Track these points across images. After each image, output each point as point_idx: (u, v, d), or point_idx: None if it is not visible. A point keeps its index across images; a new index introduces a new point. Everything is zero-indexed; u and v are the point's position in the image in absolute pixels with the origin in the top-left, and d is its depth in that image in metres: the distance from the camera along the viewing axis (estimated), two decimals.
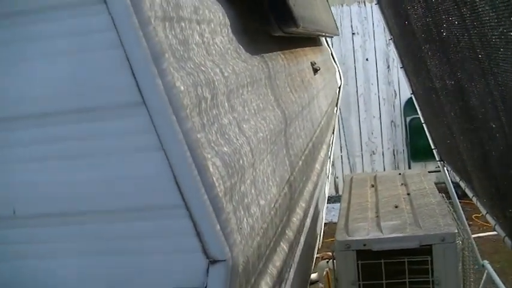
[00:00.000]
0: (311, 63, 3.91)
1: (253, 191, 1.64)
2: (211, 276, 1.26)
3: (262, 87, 2.16)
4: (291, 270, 2.64)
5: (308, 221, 3.60)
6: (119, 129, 1.26)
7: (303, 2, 3.00)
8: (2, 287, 1.43)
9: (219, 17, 1.91)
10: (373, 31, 11.62)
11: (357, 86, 11.74)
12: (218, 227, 1.26)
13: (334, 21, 6.53)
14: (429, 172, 5.65)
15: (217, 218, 1.27)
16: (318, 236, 5.53)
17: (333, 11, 11.11)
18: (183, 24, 1.52)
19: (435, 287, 3.46)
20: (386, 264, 3.45)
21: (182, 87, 1.31)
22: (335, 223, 3.94)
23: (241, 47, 2.07)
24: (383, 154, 11.77)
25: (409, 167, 11.15)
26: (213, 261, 1.26)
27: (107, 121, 1.26)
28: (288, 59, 2.94)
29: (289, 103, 2.56)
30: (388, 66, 11.64)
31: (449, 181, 6.37)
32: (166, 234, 1.28)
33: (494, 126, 3.04)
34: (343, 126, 11.64)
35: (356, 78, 11.74)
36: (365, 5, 11.63)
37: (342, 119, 11.51)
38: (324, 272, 4.96)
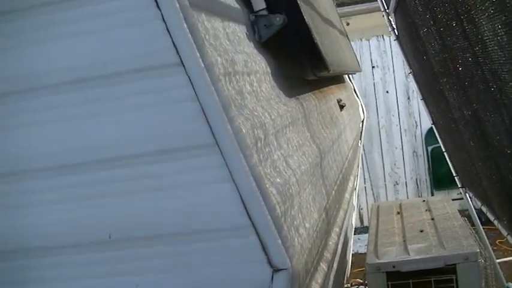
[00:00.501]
0: (337, 100, 4.20)
1: (300, 215, 1.93)
2: (276, 283, 1.56)
3: (300, 126, 2.45)
4: None
5: (339, 247, 3.88)
6: (197, 166, 1.57)
7: (332, 47, 3.31)
8: None
9: (262, 67, 2.22)
10: (393, 64, 11.78)
11: (378, 118, 11.89)
12: (280, 241, 1.56)
13: (356, 58, 6.82)
14: (452, 200, 5.89)
15: (279, 234, 1.57)
16: (347, 263, 5.78)
17: (352, 46, 11.36)
18: (237, 77, 1.83)
19: None
20: (414, 284, 3.73)
21: (244, 131, 1.62)
22: (361, 254, 4.21)
23: (282, 92, 2.37)
24: (406, 184, 11.89)
25: (432, 196, 11.26)
26: (276, 270, 1.56)
27: (188, 159, 1.57)
28: (318, 99, 3.24)
29: (322, 139, 2.86)
30: (408, 98, 11.78)
31: (472, 207, 6.59)
32: (238, 249, 1.57)
33: (509, 152, 3.31)
34: (366, 158, 11.79)
35: (377, 111, 11.89)
36: (383, 38, 11.81)
37: (364, 151, 11.67)
38: None
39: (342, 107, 4.26)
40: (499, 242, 8.86)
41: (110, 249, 1.66)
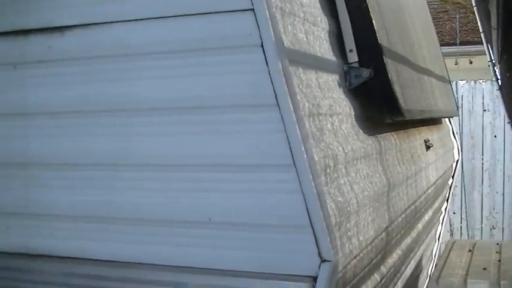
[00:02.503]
0: (424, 140, 4.68)
1: (355, 229, 2.50)
2: (322, 270, 2.14)
3: (373, 160, 3.01)
4: None
5: (407, 270, 4.36)
6: (279, 179, 2.19)
7: (417, 95, 3.84)
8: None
9: (346, 110, 2.80)
10: (504, 110, 11.84)
11: (483, 161, 11.99)
12: (329, 240, 2.15)
13: (456, 102, 7.18)
14: None
15: (329, 235, 2.16)
16: None
17: (465, 87, 11.63)
18: (320, 117, 2.43)
19: None
20: None
21: (316, 158, 2.22)
22: None
23: (360, 131, 2.94)
24: (503, 230, 11.91)
25: None
26: (323, 261, 2.15)
27: (273, 173, 2.19)
28: (400, 138, 3.76)
29: (395, 173, 3.39)
30: None
31: None
32: (299, 242, 2.17)
33: None
34: (465, 199, 11.90)
35: (483, 154, 12.01)
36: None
37: (465, 191, 11.79)
38: None
39: (428, 147, 4.74)
40: None
41: (209, 227, 2.31)
